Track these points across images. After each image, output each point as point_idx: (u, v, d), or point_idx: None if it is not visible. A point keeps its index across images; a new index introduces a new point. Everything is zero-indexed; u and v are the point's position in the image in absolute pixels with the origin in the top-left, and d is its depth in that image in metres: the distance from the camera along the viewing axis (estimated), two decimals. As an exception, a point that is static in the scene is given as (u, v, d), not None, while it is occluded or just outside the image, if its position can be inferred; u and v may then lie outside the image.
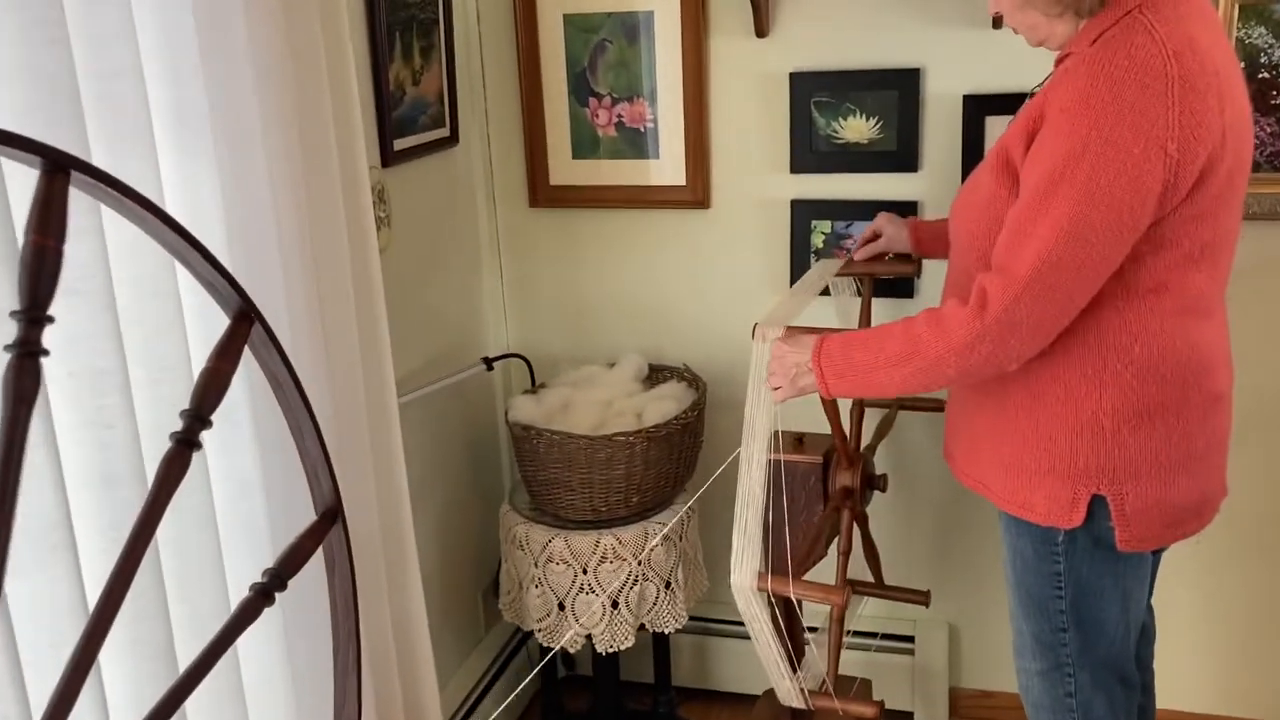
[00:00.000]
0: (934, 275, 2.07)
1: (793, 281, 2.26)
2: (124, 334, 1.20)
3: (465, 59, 2.29)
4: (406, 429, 2.09)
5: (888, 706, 1.90)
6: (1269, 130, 1.99)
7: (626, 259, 2.39)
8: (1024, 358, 1.39)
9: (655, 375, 2.31)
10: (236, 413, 1.33)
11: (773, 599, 1.76)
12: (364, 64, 1.89)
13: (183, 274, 1.27)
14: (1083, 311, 1.38)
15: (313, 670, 1.42)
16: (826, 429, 1.80)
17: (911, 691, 2.39)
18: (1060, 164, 1.31)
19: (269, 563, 1.02)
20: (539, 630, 2.13)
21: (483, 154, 2.39)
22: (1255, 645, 2.29)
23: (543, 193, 2.37)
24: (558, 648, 2.11)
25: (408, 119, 2.03)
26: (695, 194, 2.28)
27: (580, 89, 2.28)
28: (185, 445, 0.87)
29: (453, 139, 2.23)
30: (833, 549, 1.88)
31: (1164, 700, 1.94)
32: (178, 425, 0.89)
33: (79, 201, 0.91)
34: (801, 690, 1.80)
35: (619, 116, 2.28)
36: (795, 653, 1.87)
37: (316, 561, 1.40)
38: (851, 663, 2.26)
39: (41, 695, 1.08)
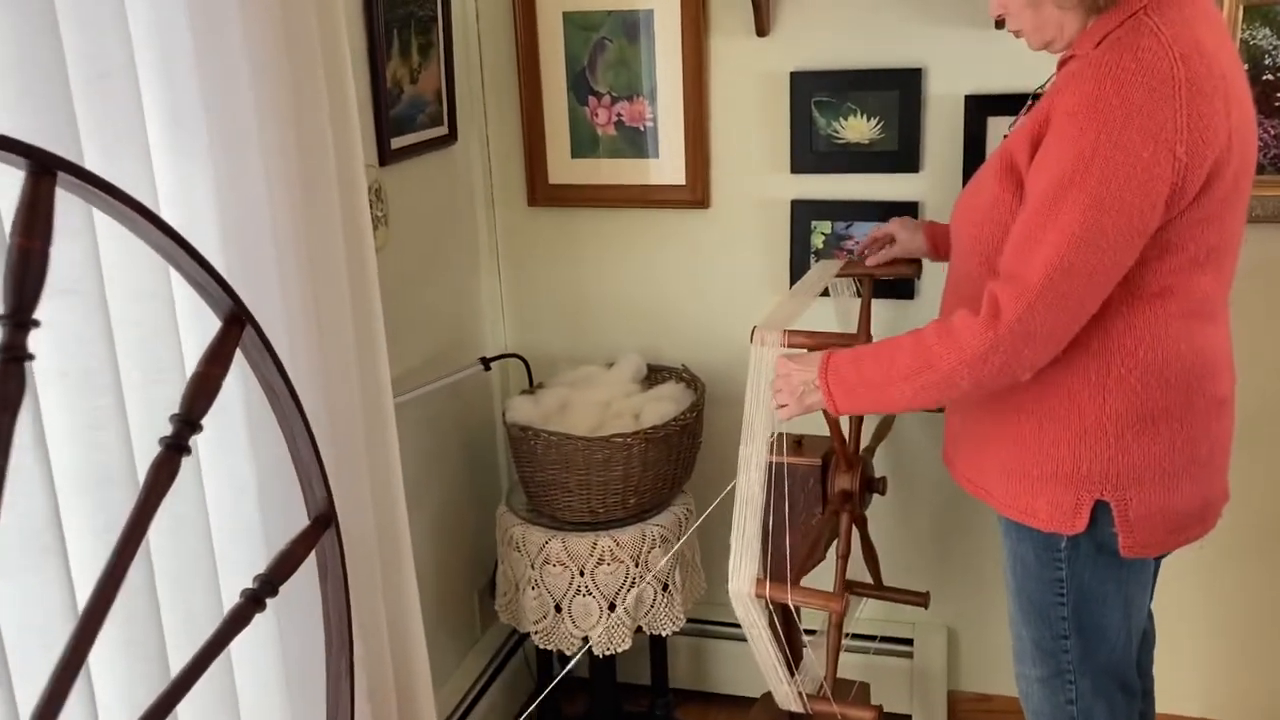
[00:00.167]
0: (934, 276, 2.05)
1: (792, 282, 2.24)
2: (116, 335, 1.19)
3: (464, 57, 2.28)
4: (404, 429, 2.08)
5: (886, 710, 1.88)
6: (1272, 133, 1.98)
7: (625, 259, 2.37)
8: (1037, 367, 1.37)
9: (654, 376, 2.30)
10: (231, 414, 1.32)
11: (774, 612, 1.76)
12: (361, 62, 1.88)
13: (176, 274, 1.26)
14: None
15: (307, 674, 1.41)
16: (825, 431, 1.78)
17: (910, 695, 2.37)
18: (1069, 169, 1.29)
19: (263, 566, 1.00)
20: (535, 632, 2.12)
21: (481, 152, 2.38)
22: (1255, 649, 2.28)
23: (541, 192, 2.36)
24: (569, 665, 2.09)
25: (405, 117, 2.02)
26: (695, 194, 2.27)
27: (580, 87, 2.27)
28: (175, 450, 0.86)
29: (451, 137, 2.21)
30: (831, 552, 1.87)
31: (1163, 704, 1.93)
32: (170, 428, 0.88)
33: (71, 202, 0.90)
34: (800, 694, 1.79)
35: (618, 115, 2.26)
36: (793, 657, 1.86)
37: (311, 564, 1.39)
38: (850, 665, 2.24)
39: (30, 700, 1.07)
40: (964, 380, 1.37)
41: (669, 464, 2.10)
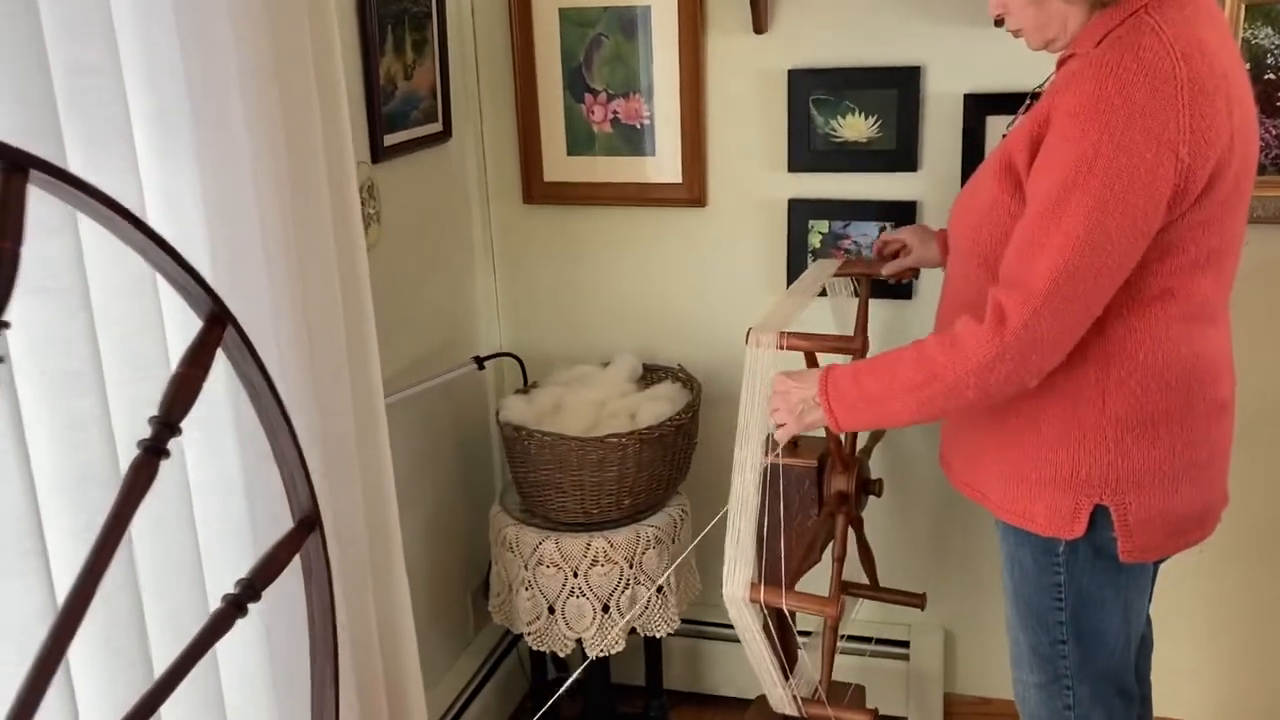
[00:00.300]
0: (932, 277, 2.03)
1: (789, 281, 2.23)
2: (100, 334, 1.17)
3: (459, 53, 2.26)
4: (398, 428, 2.06)
5: (882, 713, 1.87)
6: (1274, 133, 1.96)
7: (621, 257, 2.36)
8: (1044, 373, 1.34)
9: (649, 375, 2.28)
10: (219, 414, 1.30)
11: (768, 617, 1.74)
12: (354, 58, 1.86)
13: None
14: None
15: (294, 676, 1.39)
16: (821, 432, 1.77)
17: (906, 698, 2.36)
18: (1071, 171, 1.27)
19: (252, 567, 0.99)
20: (529, 633, 2.10)
21: (476, 149, 2.36)
22: (1256, 653, 2.26)
23: (537, 189, 2.34)
24: (575, 675, 2.07)
25: (399, 114, 2.00)
26: (691, 192, 2.25)
27: (575, 84, 2.25)
28: (153, 453, 0.84)
29: (445, 134, 2.19)
30: (827, 554, 1.86)
31: (1162, 709, 1.91)
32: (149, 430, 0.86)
33: (51, 198, 0.89)
34: (794, 698, 1.78)
35: (614, 113, 2.25)
36: (788, 660, 1.84)
37: (299, 565, 1.37)
38: (845, 668, 2.23)
39: (3, 705, 1.05)
40: (970, 390, 1.34)
41: (664, 465, 2.08)
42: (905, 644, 2.37)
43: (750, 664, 1.80)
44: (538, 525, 2.08)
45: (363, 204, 1.89)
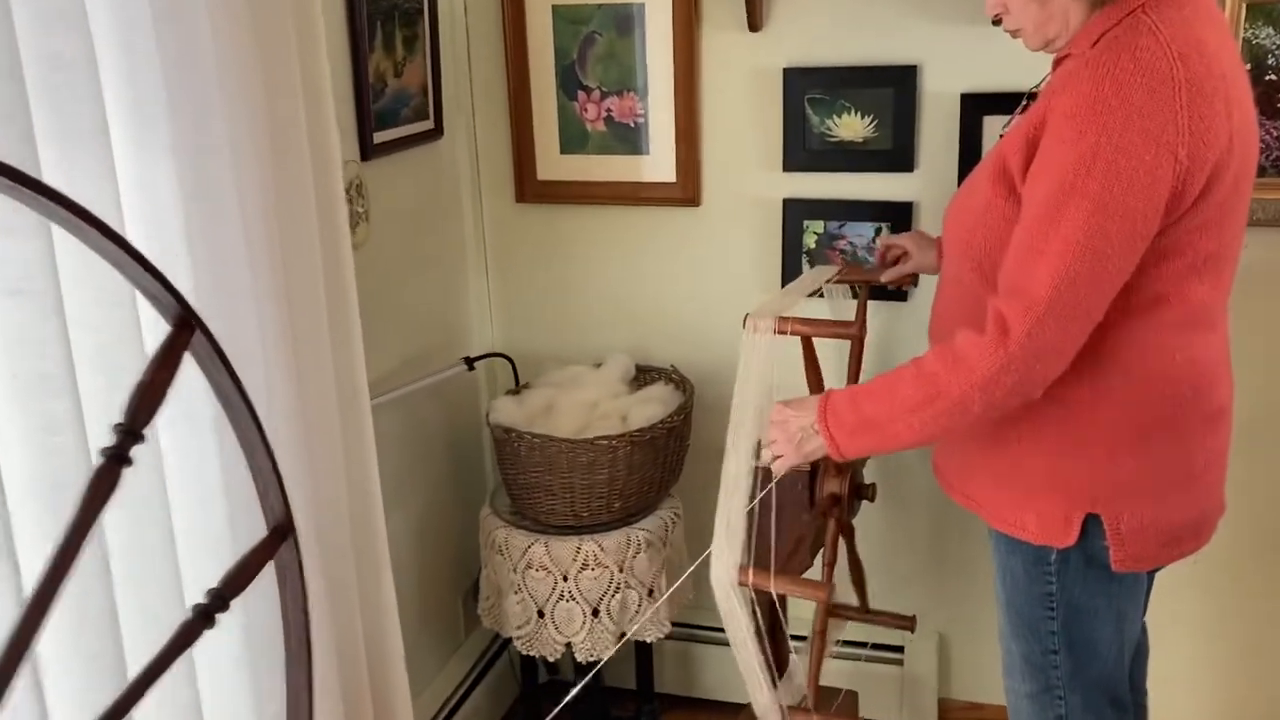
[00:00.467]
0: (929, 280, 2.01)
1: (784, 282, 2.20)
2: (74, 337, 1.15)
3: (451, 50, 2.23)
4: (388, 429, 2.04)
5: (875, 720, 1.86)
6: (1274, 134, 1.94)
7: (615, 257, 2.33)
8: (1048, 384, 1.31)
9: (642, 376, 2.26)
10: (197, 415, 1.28)
11: (757, 608, 1.71)
12: (343, 55, 1.84)
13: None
14: None
15: (278, 686, 1.37)
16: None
17: (900, 704, 2.34)
18: (1069, 174, 1.24)
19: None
20: (518, 638, 2.08)
21: (469, 148, 2.33)
22: (1253, 661, 2.24)
23: (530, 188, 2.32)
24: (578, 687, 2.02)
25: (389, 111, 1.98)
26: (685, 191, 2.23)
27: (569, 82, 2.23)
28: (116, 462, 0.82)
29: (437, 132, 2.17)
30: (817, 560, 1.83)
31: (1157, 717, 1.89)
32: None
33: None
34: (780, 706, 1.74)
35: (608, 111, 2.22)
36: (779, 664, 1.82)
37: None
38: (839, 673, 2.21)
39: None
40: (976, 405, 1.30)
41: (655, 467, 2.06)
42: (899, 649, 2.35)
43: (738, 666, 1.76)
44: (527, 528, 2.06)
45: (351, 202, 1.87)
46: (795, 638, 1.89)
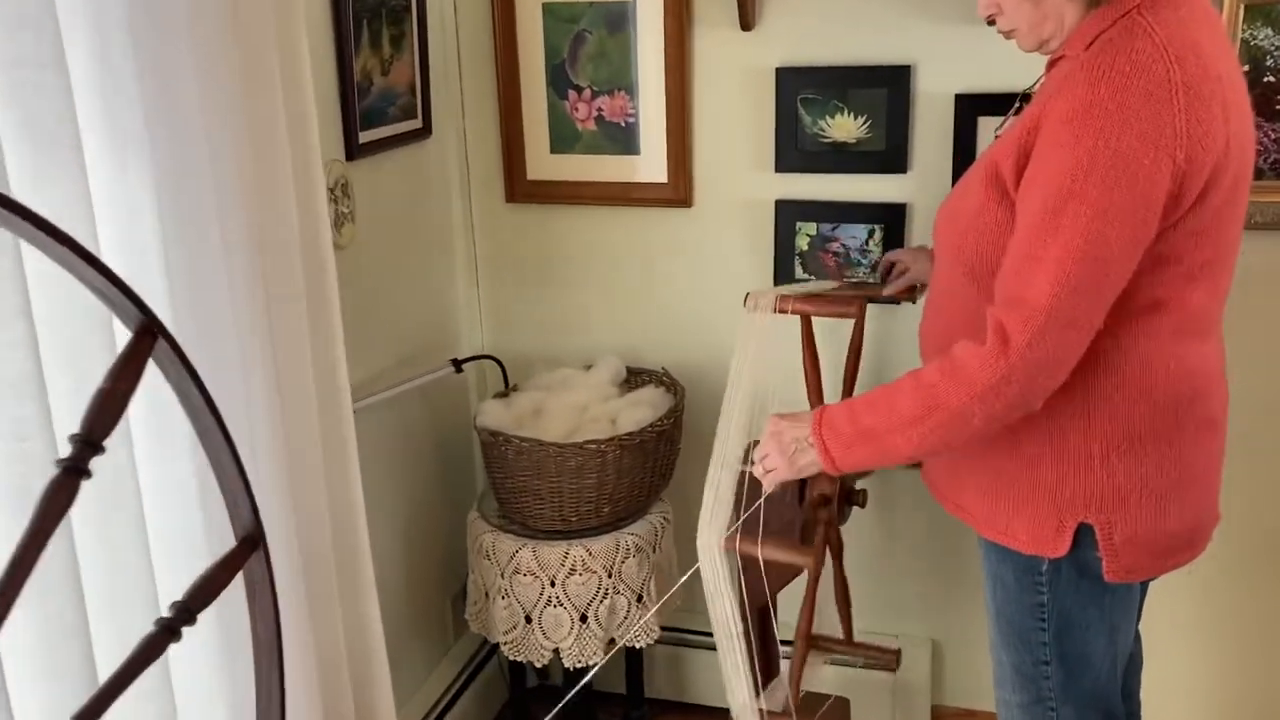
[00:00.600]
0: (922, 281, 1.99)
1: (776, 284, 2.18)
2: (42, 341, 1.12)
3: (440, 49, 2.21)
4: (376, 432, 2.02)
5: (866, 727, 1.83)
6: (1273, 137, 1.91)
7: (606, 258, 2.31)
8: (1049, 394, 1.28)
9: (633, 379, 2.24)
10: (171, 419, 1.25)
11: (747, 609, 1.68)
12: (328, 53, 1.81)
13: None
14: None
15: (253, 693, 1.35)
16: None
17: (893, 710, 2.32)
18: (1067, 179, 1.21)
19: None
20: (505, 643, 2.06)
21: (458, 147, 2.31)
22: (1247, 671, 2.21)
23: (520, 188, 2.29)
24: (577, 689, 2.00)
25: (375, 110, 1.95)
26: (677, 192, 2.20)
27: (559, 81, 2.20)
28: (73, 474, 0.79)
29: (425, 131, 2.14)
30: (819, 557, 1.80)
31: (1152, 727, 1.88)
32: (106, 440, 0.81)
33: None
34: (761, 710, 1.70)
35: (599, 110, 2.20)
36: (766, 671, 1.79)
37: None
38: (831, 679, 2.18)
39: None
40: (976, 417, 1.27)
41: (645, 471, 2.03)
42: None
43: (719, 656, 1.70)
44: (515, 533, 2.04)
45: (336, 202, 1.84)
46: (786, 643, 1.86)
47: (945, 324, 1.47)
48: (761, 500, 1.58)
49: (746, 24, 2.07)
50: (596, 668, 1.84)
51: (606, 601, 2.01)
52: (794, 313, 1.75)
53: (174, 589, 1.28)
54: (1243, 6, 1.87)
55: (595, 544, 2.00)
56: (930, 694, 2.33)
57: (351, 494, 1.62)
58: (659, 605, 2.01)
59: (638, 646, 2.10)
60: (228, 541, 0.98)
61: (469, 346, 2.39)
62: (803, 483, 1.76)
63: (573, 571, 1.99)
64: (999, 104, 1.93)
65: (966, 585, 2.27)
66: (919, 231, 2.11)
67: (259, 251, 1.35)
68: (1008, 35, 1.42)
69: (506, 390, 2.21)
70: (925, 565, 2.31)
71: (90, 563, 1.22)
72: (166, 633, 0.90)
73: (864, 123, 2.08)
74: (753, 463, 1.50)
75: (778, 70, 2.09)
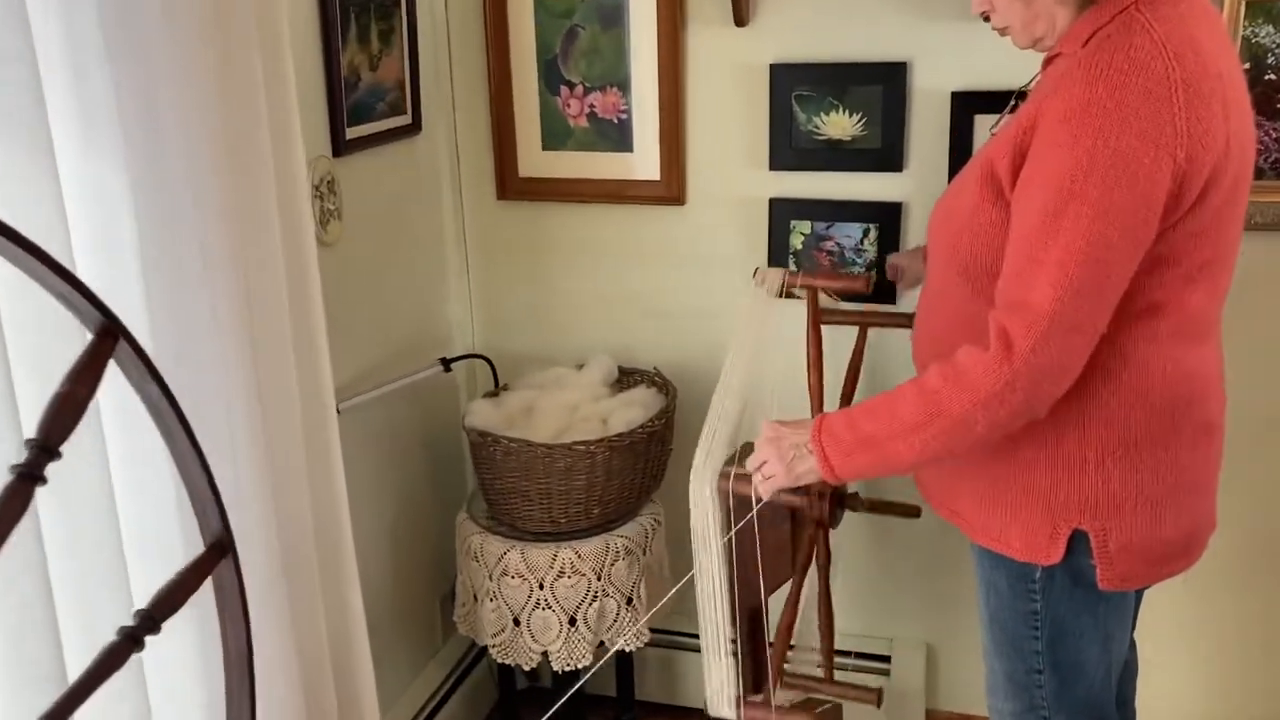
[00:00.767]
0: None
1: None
2: (9, 338, 1.10)
3: (431, 44, 2.18)
4: (364, 432, 2.00)
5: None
6: (1274, 135, 1.88)
7: (598, 256, 2.28)
8: (1054, 401, 1.25)
9: (625, 379, 2.21)
10: (147, 419, 1.23)
11: (739, 611, 1.65)
12: (314, 47, 1.79)
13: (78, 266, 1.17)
14: None
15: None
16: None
17: (887, 714, 2.29)
18: (1066, 180, 1.19)
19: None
20: (493, 646, 2.03)
21: (448, 143, 2.28)
22: (1243, 677, 2.19)
23: (511, 185, 2.26)
24: (575, 687, 1.98)
25: (363, 106, 1.92)
26: (670, 190, 2.18)
27: (551, 76, 2.17)
28: (27, 480, 0.77)
29: (415, 127, 2.12)
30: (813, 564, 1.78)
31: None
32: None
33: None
34: (739, 698, 1.65)
35: (591, 106, 2.17)
36: (758, 677, 1.77)
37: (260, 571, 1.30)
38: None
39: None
40: (979, 424, 1.24)
41: (636, 473, 2.01)
42: (886, 659, 2.30)
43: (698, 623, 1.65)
44: (503, 534, 2.01)
45: (321, 199, 1.82)
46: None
47: (939, 325, 1.45)
48: (754, 509, 1.55)
49: (741, 20, 2.04)
50: (589, 674, 1.82)
51: (596, 604, 1.99)
52: (802, 286, 1.75)
53: (149, 594, 1.26)
54: (1244, 3, 1.84)
55: (585, 546, 1.98)
56: (924, 698, 2.31)
57: (335, 494, 1.60)
58: (651, 614, 1.99)
59: (626, 650, 2.08)
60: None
61: (460, 345, 2.36)
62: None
63: (562, 574, 1.97)
64: (996, 102, 1.90)
65: (961, 588, 2.25)
66: (915, 231, 2.09)
67: (239, 250, 1.32)
68: (1002, 32, 1.39)
69: (497, 390, 2.19)
70: (920, 568, 2.28)
71: (62, 567, 1.19)
72: (129, 641, 0.88)
73: (859, 120, 2.05)
74: (760, 478, 1.46)
75: (772, 67, 2.06)
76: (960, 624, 2.27)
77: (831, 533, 1.85)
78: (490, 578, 2.00)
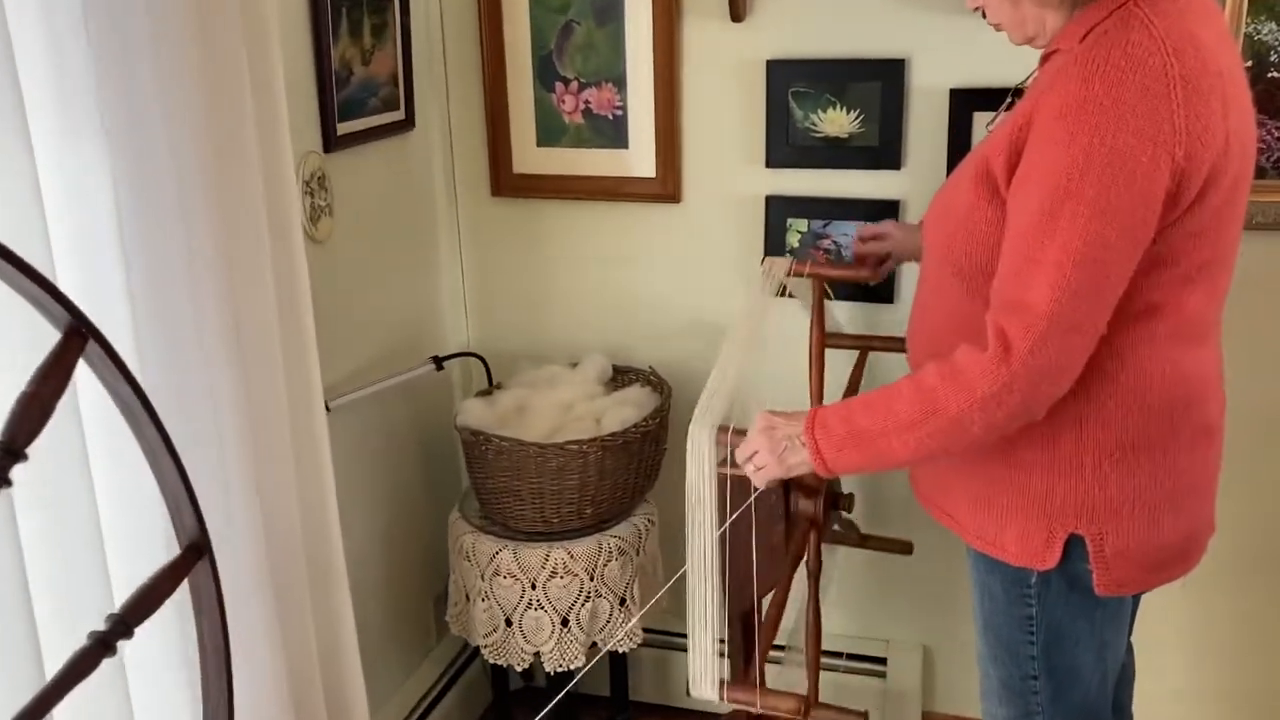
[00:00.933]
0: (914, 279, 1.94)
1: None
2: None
3: (425, 38, 2.16)
4: (356, 430, 1.98)
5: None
6: (1275, 134, 1.86)
7: (593, 254, 2.26)
8: (1052, 403, 1.23)
9: (620, 377, 2.19)
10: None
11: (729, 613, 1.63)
12: (304, 42, 1.77)
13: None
14: None
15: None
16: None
17: (882, 717, 2.27)
18: (1063, 179, 1.16)
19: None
20: (485, 646, 2.01)
21: (442, 139, 2.26)
22: (1241, 681, 2.17)
23: (505, 182, 2.24)
24: (571, 684, 1.96)
25: (355, 101, 1.91)
26: (665, 187, 2.16)
27: (546, 72, 2.15)
28: (-9, 484, 0.75)
29: (408, 123, 2.10)
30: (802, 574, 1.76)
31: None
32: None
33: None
34: (721, 681, 1.61)
35: (586, 103, 2.15)
36: (744, 674, 1.75)
37: (255, 572, 1.29)
38: (820, 685, 2.14)
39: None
40: (975, 425, 1.22)
41: (629, 472, 1.99)
42: (882, 660, 2.28)
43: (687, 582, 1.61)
44: (496, 534, 1.99)
45: (312, 195, 1.80)
46: (775, 647, 1.82)
47: (933, 324, 1.42)
48: (752, 499, 1.53)
49: (737, 15, 2.02)
50: (581, 674, 1.79)
51: (588, 605, 1.97)
52: (809, 274, 1.76)
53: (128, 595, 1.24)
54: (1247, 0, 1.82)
55: (577, 546, 1.96)
56: (921, 700, 2.29)
57: (325, 493, 1.58)
58: (642, 613, 1.97)
59: (619, 651, 2.06)
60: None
61: (453, 343, 2.35)
62: (787, 491, 1.71)
63: (554, 574, 1.95)
64: (995, 99, 1.87)
65: (958, 590, 2.22)
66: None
67: (226, 246, 1.30)
68: (997, 28, 1.37)
69: (490, 388, 2.17)
70: (916, 569, 2.26)
71: (40, 570, 1.18)
72: (100, 646, 0.86)
73: (857, 117, 2.03)
74: (752, 469, 1.44)
75: (769, 63, 2.04)
76: (957, 626, 2.25)
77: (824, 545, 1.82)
78: (482, 578, 1.98)
